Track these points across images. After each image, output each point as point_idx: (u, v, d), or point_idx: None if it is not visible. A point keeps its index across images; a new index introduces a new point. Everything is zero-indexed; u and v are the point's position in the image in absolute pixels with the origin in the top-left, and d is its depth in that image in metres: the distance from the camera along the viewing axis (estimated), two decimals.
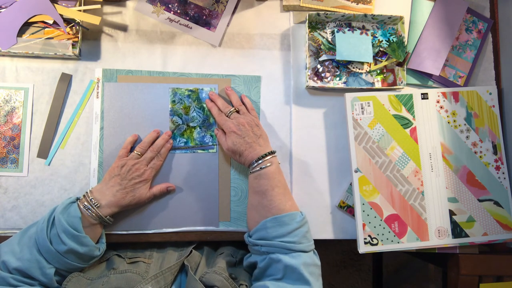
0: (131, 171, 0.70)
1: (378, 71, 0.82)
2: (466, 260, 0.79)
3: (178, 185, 0.76)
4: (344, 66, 0.82)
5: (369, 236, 0.76)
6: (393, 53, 0.80)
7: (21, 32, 0.74)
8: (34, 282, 0.60)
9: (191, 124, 0.78)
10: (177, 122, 0.78)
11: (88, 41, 0.78)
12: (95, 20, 0.74)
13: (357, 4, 0.83)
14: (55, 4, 0.73)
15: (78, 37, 0.75)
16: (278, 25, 0.83)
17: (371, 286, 1.59)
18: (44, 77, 0.77)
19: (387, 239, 0.76)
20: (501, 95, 0.84)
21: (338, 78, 0.82)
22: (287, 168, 0.80)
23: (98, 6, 0.76)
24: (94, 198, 0.66)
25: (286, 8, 0.83)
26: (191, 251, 0.71)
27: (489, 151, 0.80)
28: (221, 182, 0.78)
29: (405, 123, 0.80)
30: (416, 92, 0.81)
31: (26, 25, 0.74)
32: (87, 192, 0.67)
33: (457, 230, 0.78)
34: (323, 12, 0.80)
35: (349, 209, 0.79)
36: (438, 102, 0.81)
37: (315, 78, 0.81)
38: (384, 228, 0.76)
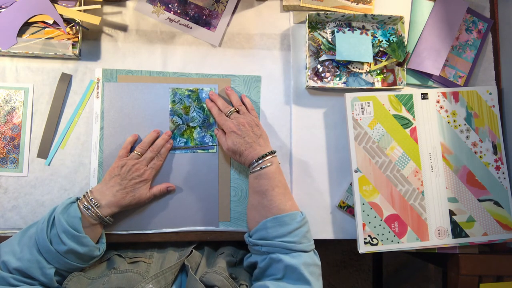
0: (131, 171, 0.70)
1: (378, 71, 0.82)
2: (466, 260, 0.79)
3: (178, 185, 0.76)
4: (344, 66, 0.82)
5: (369, 236, 0.76)
6: (393, 53, 0.80)
7: (21, 32, 0.74)
8: (34, 282, 0.60)
9: (191, 124, 0.78)
10: (177, 122, 0.78)
11: (88, 41, 0.78)
12: (95, 20, 0.74)
13: (357, 4, 0.83)
14: (55, 4, 0.73)
15: (78, 37, 0.75)
16: (278, 25, 0.83)
17: (371, 286, 1.59)
18: (44, 77, 0.77)
19: (387, 239, 0.76)
20: (501, 95, 0.84)
21: (338, 78, 0.82)
22: (287, 168, 0.80)
23: (98, 6, 0.76)
24: (94, 198, 0.66)
25: (286, 8, 0.83)
26: (191, 251, 0.71)
27: (489, 151, 0.80)
28: (221, 182, 0.78)
29: (405, 123, 0.80)
30: (416, 92, 0.81)
31: (26, 25, 0.74)
32: (87, 192, 0.67)
33: (457, 230, 0.78)
34: (323, 12, 0.80)
35: (349, 209, 0.79)
36: (438, 102, 0.81)
37: (315, 78, 0.81)
38: (384, 228, 0.76)
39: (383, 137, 0.79)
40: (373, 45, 0.81)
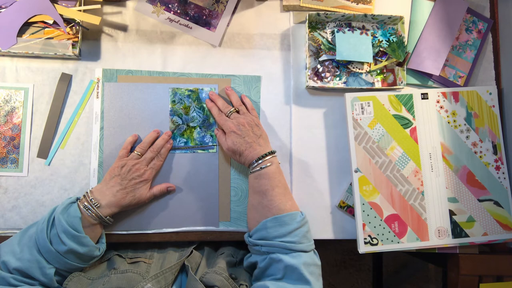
0: (131, 171, 0.70)
1: (378, 71, 0.82)
2: (466, 260, 0.79)
3: (178, 185, 0.76)
4: (344, 66, 0.82)
5: (369, 236, 0.76)
6: (393, 53, 0.80)
7: (21, 32, 0.74)
8: (35, 282, 0.60)
9: (191, 124, 0.78)
10: (177, 122, 0.78)
11: (88, 41, 0.78)
12: (95, 20, 0.74)
13: (357, 4, 0.83)
14: (55, 4, 0.73)
15: (78, 37, 0.75)
16: (278, 25, 0.83)
17: (371, 286, 1.59)
18: (44, 77, 0.77)
19: (387, 239, 0.76)
20: (501, 95, 0.84)
21: (338, 78, 0.82)
22: (287, 168, 0.80)
23: (98, 6, 0.76)
24: (94, 198, 0.66)
25: (286, 8, 0.83)
26: (191, 252, 0.71)
27: (489, 151, 0.80)
28: (221, 182, 0.78)
29: (405, 123, 0.80)
30: (416, 92, 0.81)
31: (26, 25, 0.74)
32: (87, 192, 0.67)
33: (457, 230, 0.78)
34: (323, 12, 0.80)
35: (349, 209, 0.79)
36: (438, 102, 0.81)
37: (315, 78, 0.81)
38: (384, 228, 0.76)
39: (383, 137, 0.79)
40: (373, 45, 0.81)
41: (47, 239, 0.60)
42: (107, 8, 0.80)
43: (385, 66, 0.82)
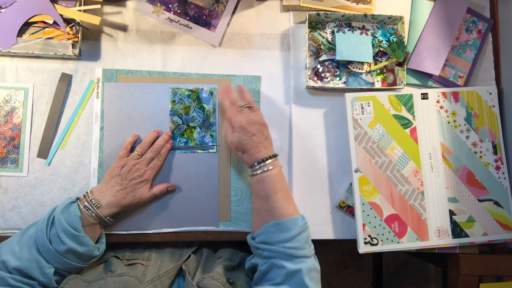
0: (131, 171, 0.70)
1: (378, 71, 0.82)
2: (466, 260, 0.79)
3: (178, 185, 0.76)
4: (344, 66, 0.82)
5: (369, 236, 0.76)
6: (393, 53, 0.80)
7: (21, 32, 0.74)
8: (34, 283, 0.59)
9: (191, 124, 0.78)
10: (177, 122, 0.78)
11: (88, 41, 0.78)
12: (95, 20, 0.74)
13: (357, 4, 0.83)
14: (55, 4, 0.73)
15: (78, 37, 0.75)
16: (278, 25, 0.83)
17: (371, 286, 1.59)
18: (44, 77, 0.77)
19: (387, 239, 0.76)
20: (501, 95, 0.84)
21: (338, 78, 0.82)
22: (287, 168, 0.80)
23: (98, 6, 0.76)
24: (94, 198, 0.66)
25: (286, 8, 0.83)
26: (189, 256, 0.71)
27: (489, 151, 0.80)
28: (221, 182, 0.78)
29: (405, 123, 0.80)
30: (416, 92, 0.81)
31: (26, 25, 0.74)
32: (87, 192, 0.67)
33: (457, 230, 0.78)
34: (323, 12, 0.80)
35: (349, 209, 0.79)
36: (438, 102, 0.81)
37: (315, 78, 0.81)
38: (384, 228, 0.76)
39: (383, 137, 0.79)
40: (373, 45, 0.81)
41: (47, 238, 0.60)
42: (107, 8, 0.80)
43: (385, 66, 0.82)
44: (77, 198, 0.67)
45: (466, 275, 0.79)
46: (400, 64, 0.81)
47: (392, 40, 0.81)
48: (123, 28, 0.80)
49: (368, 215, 0.77)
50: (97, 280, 0.64)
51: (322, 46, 0.80)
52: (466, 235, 0.78)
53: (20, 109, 0.76)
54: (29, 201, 0.74)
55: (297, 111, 0.81)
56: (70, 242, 0.61)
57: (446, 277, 0.84)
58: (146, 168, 0.72)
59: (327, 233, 0.79)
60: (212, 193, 0.77)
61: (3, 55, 0.76)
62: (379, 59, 0.82)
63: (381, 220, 0.77)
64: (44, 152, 0.75)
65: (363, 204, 0.77)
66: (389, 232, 0.76)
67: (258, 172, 0.68)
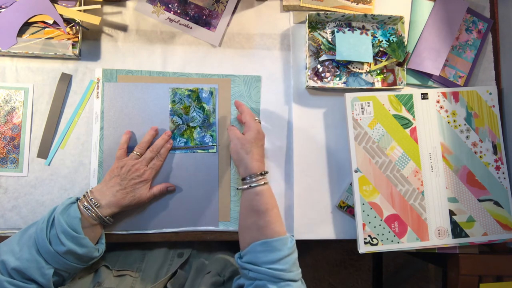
0: (131, 172, 0.69)
1: (378, 71, 0.82)
2: (466, 260, 0.79)
3: (178, 185, 0.76)
4: (344, 66, 0.82)
5: (369, 236, 0.76)
6: (393, 53, 0.80)
7: (21, 32, 0.74)
8: (31, 286, 0.58)
9: (191, 124, 0.78)
10: (177, 122, 0.78)
11: (88, 41, 0.78)
12: (95, 20, 0.74)
13: (357, 4, 0.83)
14: (55, 4, 0.73)
15: (78, 37, 0.75)
16: (278, 25, 0.83)
17: (371, 286, 1.59)
18: (44, 77, 0.77)
19: (387, 239, 0.76)
20: (501, 95, 0.84)
21: (338, 78, 0.82)
22: (287, 168, 0.80)
23: (98, 6, 0.76)
24: (94, 198, 0.66)
25: (286, 8, 0.83)
26: (176, 271, 0.70)
27: (489, 151, 0.80)
28: (221, 182, 0.78)
29: (405, 123, 0.80)
30: (416, 92, 0.81)
31: (26, 25, 0.74)
32: (87, 192, 0.67)
33: (457, 230, 0.78)
34: (323, 12, 0.80)
35: (349, 209, 0.79)
36: (438, 102, 0.81)
37: (315, 78, 0.81)
38: (384, 228, 0.76)
39: (383, 137, 0.79)
40: (373, 45, 0.81)
41: (47, 239, 0.60)
42: (107, 8, 0.80)
43: (385, 66, 0.82)
44: (77, 199, 0.67)
45: (466, 275, 0.79)
46: (400, 64, 0.81)
47: (392, 40, 0.81)
48: (123, 28, 0.80)
49: (368, 215, 0.77)
50: None
51: (322, 46, 0.80)
52: (466, 235, 0.78)
53: (20, 109, 0.76)
54: (29, 201, 0.74)
55: (297, 111, 0.81)
56: (69, 243, 0.60)
57: (446, 277, 0.84)
58: (145, 168, 0.72)
59: (327, 233, 0.79)
60: (212, 193, 0.77)
61: (3, 55, 0.76)
62: (379, 59, 0.82)
63: (381, 220, 0.77)
64: (44, 152, 0.75)
65: (363, 204, 0.77)
66: (389, 232, 0.76)
67: (262, 182, 0.67)
